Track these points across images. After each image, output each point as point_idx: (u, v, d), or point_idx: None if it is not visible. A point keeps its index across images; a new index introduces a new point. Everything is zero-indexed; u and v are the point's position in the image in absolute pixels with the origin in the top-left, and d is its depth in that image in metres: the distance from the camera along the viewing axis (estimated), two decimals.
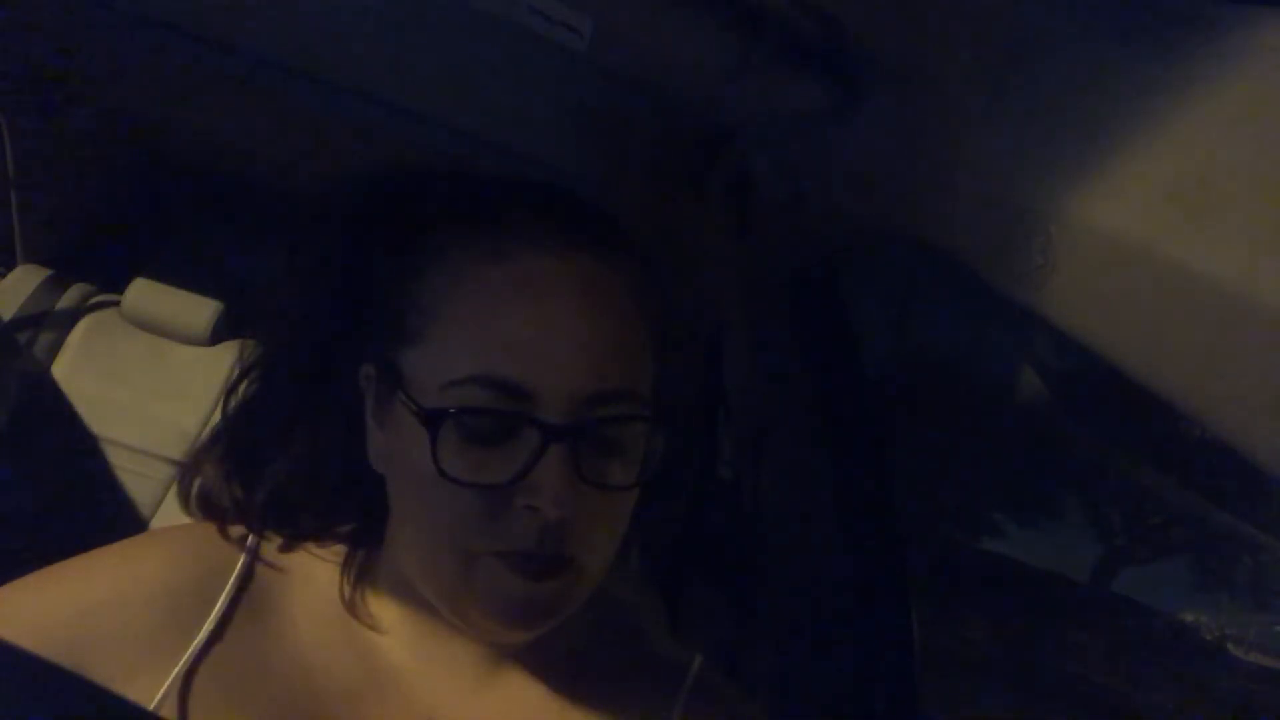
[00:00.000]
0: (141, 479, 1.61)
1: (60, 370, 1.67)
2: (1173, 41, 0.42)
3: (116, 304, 1.73)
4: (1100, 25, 0.46)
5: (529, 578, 0.49)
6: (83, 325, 1.71)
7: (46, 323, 1.69)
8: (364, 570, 0.57)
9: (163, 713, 0.49)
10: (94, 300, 1.76)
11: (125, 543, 0.56)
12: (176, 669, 0.51)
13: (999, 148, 0.51)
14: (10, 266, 1.79)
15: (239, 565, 0.55)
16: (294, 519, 0.57)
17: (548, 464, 0.48)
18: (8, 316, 1.67)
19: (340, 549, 0.57)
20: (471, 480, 0.48)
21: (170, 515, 1.59)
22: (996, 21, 0.52)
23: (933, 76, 0.57)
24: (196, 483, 0.57)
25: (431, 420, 0.48)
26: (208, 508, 0.57)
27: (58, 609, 0.51)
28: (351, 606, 0.55)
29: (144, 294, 1.70)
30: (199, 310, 1.69)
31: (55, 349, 1.69)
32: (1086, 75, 0.46)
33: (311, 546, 0.57)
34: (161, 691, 0.50)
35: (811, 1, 0.60)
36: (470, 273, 0.50)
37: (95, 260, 1.82)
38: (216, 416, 0.58)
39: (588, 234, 0.52)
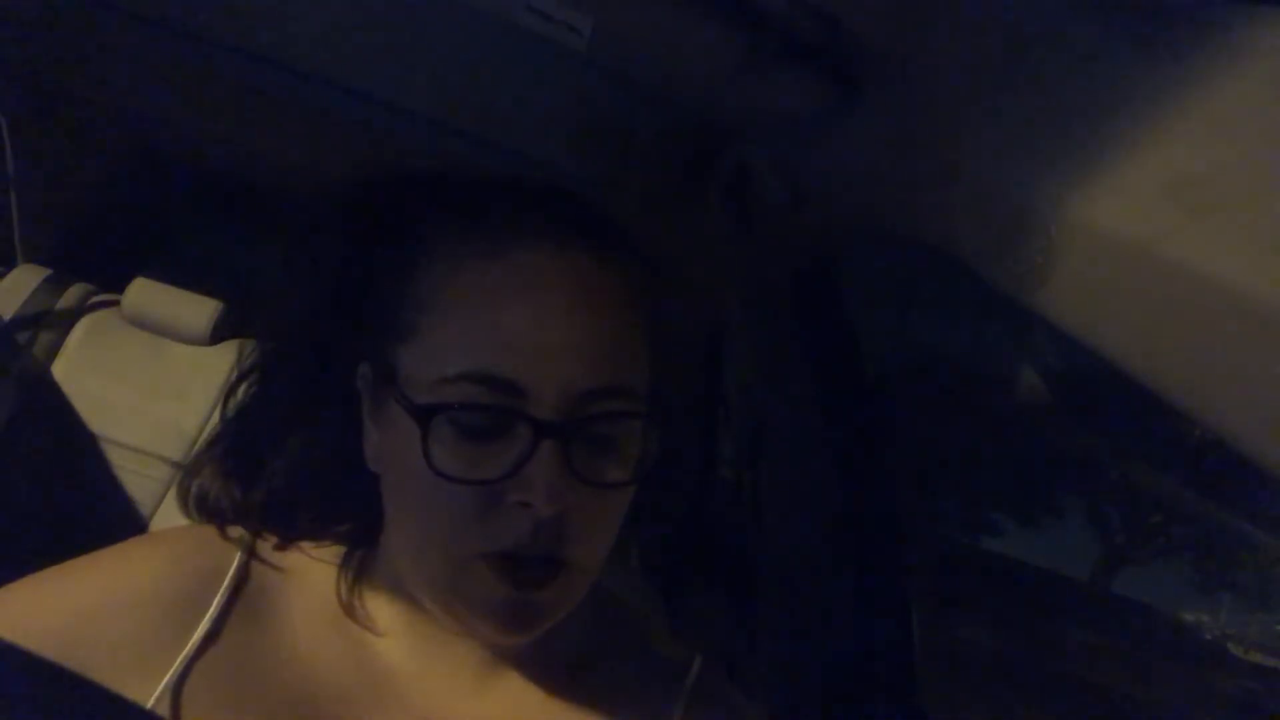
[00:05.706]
0: (141, 479, 1.61)
1: (60, 370, 1.67)
2: (1173, 41, 0.42)
3: (116, 304, 1.73)
4: (1100, 24, 0.46)
5: (519, 586, 0.48)
6: (83, 325, 1.72)
7: (46, 323, 1.70)
8: (361, 571, 0.56)
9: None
10: (94, 300, 1.76)
11: (121, 546, 0.56)
12: (170, 673, 0.51)
13: (998, 147, 0.51)
14: (10, 266, 1.79)
15: (234, 567, 0.55)
16: (291, 519, 0.56)
17: (540, 460, 0.47)
18: (8, 316, 1.67)
19: (337, 550, 0.57)
20: (463, 477, 0.48)
21: (170, 515, 1.59)
22: (996, 21, 0.52)
23: (932, 76, 0.57)
24: (195, 484, 0.57)
25: (424, 416, 0.48)
26: (205, 509, 0.57)
27: (52, 613, 0.51)
28: (348, 608, 0.55)
29: (144, 294, 1.70)
30: (199, 310, 1.70)
31: (55, 349, 1.69)
32: (1086, 74, 0.46)
33: (307, 547, 0.57)
34: (154, 696, 0.50)
35: (811, 1, 0.60)
36: (465, 268, 0.50)
37: (95, 260, 1.82)
38: (216, 416, 0.58)
39: (583, 230, 0.52)
